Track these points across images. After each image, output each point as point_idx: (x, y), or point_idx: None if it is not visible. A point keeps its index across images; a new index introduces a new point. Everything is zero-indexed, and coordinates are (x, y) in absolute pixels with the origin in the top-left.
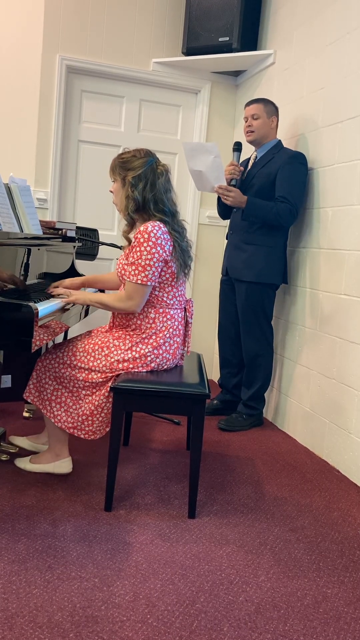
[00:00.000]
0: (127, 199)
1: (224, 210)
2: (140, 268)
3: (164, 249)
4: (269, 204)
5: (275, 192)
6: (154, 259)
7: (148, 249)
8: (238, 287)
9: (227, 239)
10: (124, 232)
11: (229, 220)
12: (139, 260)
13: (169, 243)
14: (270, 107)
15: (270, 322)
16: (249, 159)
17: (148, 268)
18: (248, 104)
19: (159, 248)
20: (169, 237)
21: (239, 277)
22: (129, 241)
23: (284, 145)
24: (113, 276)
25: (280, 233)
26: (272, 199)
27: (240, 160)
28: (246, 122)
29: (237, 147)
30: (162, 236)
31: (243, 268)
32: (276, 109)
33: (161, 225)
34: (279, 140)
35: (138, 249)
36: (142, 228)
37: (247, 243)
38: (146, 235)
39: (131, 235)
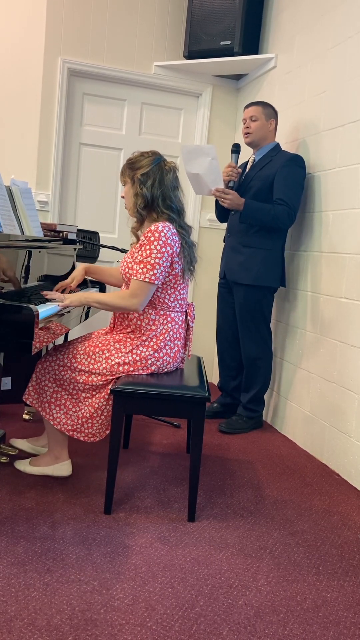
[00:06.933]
0: (136, 196)
1: (222, 213)
2: (149, 266)
3: (173, 249)
4: (267, 207)
5: (273, 195)
6: (164, 258)
7: (158, 247)
8: (236, 290)
9: (224, 241)
10: (133, 229)
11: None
12: (148, 259)
13: (177, 244)
14: (269, 110)
15: (268, 325)
16: (248, 161)
17: (157, 267)
18: (247, 106)
19: (168, 248)
20: (177, 239)
21: (237, 280)
22: (138, 238)
23: (284, 149)
24: (115, 271)
25: (278, 235)
26: (270, 201)
27: (239, 163)
28: (244, 123)
29: (236, 149)
30: (171, 236)
31: (240, 271)
32: (275, 112)
33: (170, 227)
34: (277, 143)
35: (148, 247)
36: (152, 227)
37: (245, 245)
38: (157, 234)
39: (139, 233)
